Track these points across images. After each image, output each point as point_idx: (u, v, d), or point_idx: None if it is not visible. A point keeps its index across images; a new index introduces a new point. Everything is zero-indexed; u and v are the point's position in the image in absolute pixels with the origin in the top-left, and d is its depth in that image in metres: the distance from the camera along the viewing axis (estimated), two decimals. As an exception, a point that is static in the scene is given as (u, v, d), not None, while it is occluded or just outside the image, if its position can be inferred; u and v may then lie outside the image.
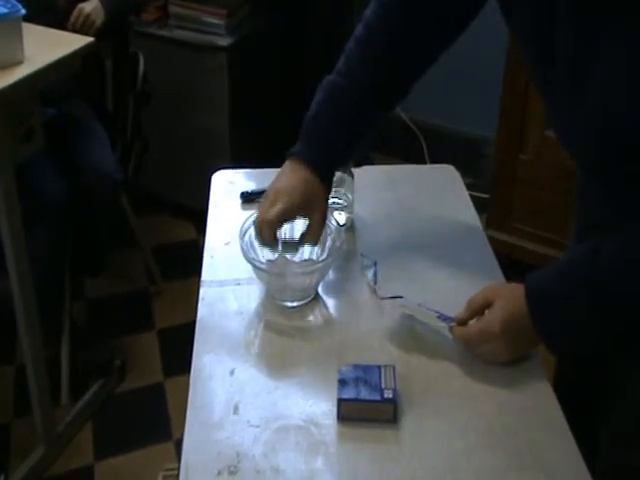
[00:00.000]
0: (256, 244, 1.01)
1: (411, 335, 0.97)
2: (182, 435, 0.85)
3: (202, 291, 1.05)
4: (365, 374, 0.86)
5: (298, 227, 1.03)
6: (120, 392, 2.01)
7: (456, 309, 0.95)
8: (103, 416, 1.93)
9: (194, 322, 1.03)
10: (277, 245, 0.99)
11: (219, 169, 1.33)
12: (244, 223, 1.03)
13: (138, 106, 2.13)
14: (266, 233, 0.97)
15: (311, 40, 2.65)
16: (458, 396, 0.89)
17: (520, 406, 0.88)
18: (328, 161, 0.99)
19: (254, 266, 0.99)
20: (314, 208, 0.97)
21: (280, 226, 0.99)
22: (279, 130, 2.60)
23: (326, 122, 0.98)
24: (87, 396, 1.94)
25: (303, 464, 0.81)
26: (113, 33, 1.98)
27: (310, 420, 0.86)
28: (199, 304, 1.04)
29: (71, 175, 1.82)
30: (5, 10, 1.53)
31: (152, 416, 1.94)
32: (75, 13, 1.85)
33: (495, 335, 0.86)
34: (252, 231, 1.02)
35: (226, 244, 1.13)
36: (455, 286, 1.04)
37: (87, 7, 1.86)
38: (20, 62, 1.56)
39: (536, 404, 0.88)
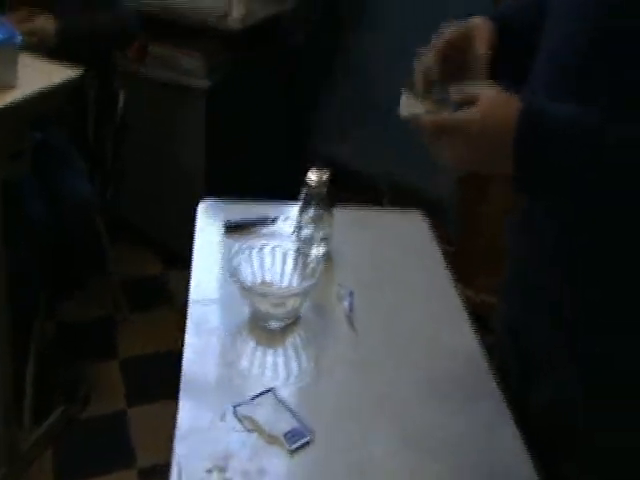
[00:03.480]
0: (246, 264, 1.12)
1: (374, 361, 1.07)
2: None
3: (190, 309, 1.13)
4: None
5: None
6: (83, 418, 2.04)
7: (424, 342, 1.08)
8: (66, 440, 1.96)
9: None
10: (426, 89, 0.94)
11: (194, 205, 1.41)
12: (233, 247, 1.13)
13: (117, 139, 2.22)
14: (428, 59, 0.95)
15: (277, 87, 2.80)
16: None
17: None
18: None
19: (241, 288, 1.08)
20: (477, 36, 0.96)
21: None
22: (254, 168, 2.72)
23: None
24: (51, 419, 1.97)
25: (286, 467, 0.90)
26: (98, 65, 2.06)
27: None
28: (188, 321, 1.11)
29: (49, 199, 1.89)
30: (1, 36, 1.62)
31: (115, 443, 1.98)
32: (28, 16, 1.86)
33: (469, 130, 0.82)
34: (240, 255, 1.12)
35: (210, 271, 1.22)
36: (422, 319, 1.15)
37: (41, 21, 1.87)
38: (13, 87, 1.65)
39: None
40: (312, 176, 1.21)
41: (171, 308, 2.46)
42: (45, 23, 1.89)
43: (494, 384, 1.04)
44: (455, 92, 0.87)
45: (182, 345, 1.06)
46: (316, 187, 1.20)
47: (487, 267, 2.35)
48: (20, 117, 1.71)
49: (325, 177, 1.20)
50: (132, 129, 2.25)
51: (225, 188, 2.46)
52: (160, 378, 2.18)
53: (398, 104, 0.93)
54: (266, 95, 2.65)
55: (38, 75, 1.71)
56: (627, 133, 0.79)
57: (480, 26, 0.99)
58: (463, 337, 1.13)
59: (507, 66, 0.99)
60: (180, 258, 2.58)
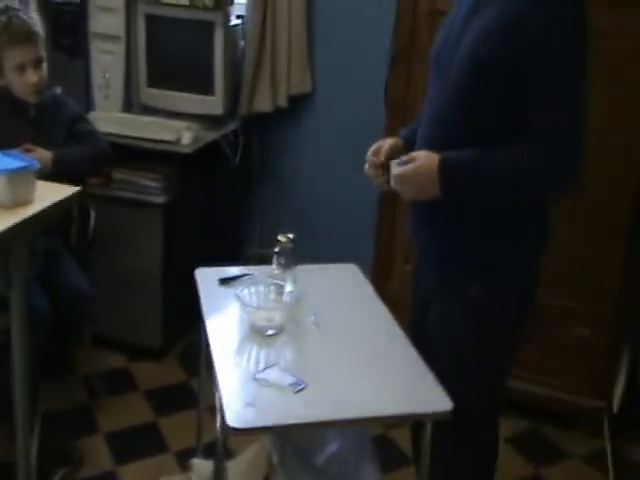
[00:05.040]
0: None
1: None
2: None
3: (208, 328, 1.73)
4: None
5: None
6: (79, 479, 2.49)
7: (365, 332, 1.73)
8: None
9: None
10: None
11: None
12: (240, 286, 1.76)
13: (89, 248, 2.81)
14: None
15: (219, 201, 3.48)
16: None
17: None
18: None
19: (245, 308, 1.70)
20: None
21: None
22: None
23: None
24: (54, 483, 2.41)
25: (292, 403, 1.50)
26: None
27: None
28: (209, 334, 1.70)
29: (52, 292, 2.44)
30: (25, 164, 2.22)
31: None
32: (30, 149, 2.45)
33: (409, 176, 1.65)
34: (241, 292, 1.74)
35: (217, 307, 1.83)
36: (362, 320, 1.80)
37: (40, 152, 2.45)
38: (32, 203, 2.23)
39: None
40: (281, 238, 1.86)
41: (137, 393, 2.97)
42: (44, 154, 2.50)
43: (410, 347, 1.73)
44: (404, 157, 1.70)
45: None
46: (285, 244, 1.86)
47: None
48: (36, 225, 2.28)
49: (291, 237, 1.86)
50: (100, 239, 2.84)
51: (180, 289, 3.06)
52: (140, 443, 2.69)
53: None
54: (211, 205, 3.32)
55: (46, 193, 2.31)
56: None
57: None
58: (390, 330, 1.81)
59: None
60: (139, 351, 3.13)
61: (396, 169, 1.67)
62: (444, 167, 1.61)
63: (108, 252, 2.99)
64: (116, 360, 3.16)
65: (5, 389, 2.24)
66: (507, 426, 2.71)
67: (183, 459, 2.56)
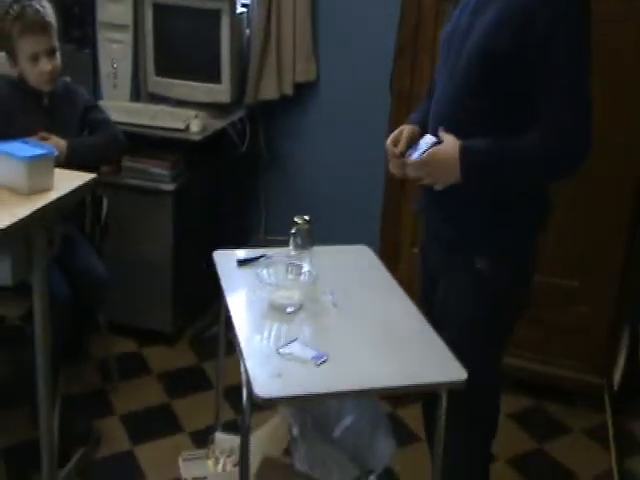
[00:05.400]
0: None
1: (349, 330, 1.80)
2: None
3: (230, 305, 1.82)
4: None
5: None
6: (98, 458, 2.59)
7: (379, 309, 1.82)
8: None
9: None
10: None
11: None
12: (259, 266, 1.85)
13: (102, 235, 2.89)
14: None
15: (226, 188, 3.57)
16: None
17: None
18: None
19: (265, 283, 1.79)
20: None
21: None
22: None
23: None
24: (73, 460, 2.50)
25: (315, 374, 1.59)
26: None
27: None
28: (233, 312, 1.79)
29: (70, 276, 2.52)
30: (45, 151, 2.30)
31: (130, 472, 2.53)
32: (45, 137, 2.53)
33: (429, 164, 1.74)
34: (261, 271, 1.83)
35: (237, 286, 1.92)
36: (377, 299, 1.90)
37: (55, 140, 2.52)
38: (50, 189, 2.31)
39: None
40: (298, 219, 1.95)
41: (151, 376, 3.06)
42: (59, 142, 2.57)
43: (424, 323, 1.82)
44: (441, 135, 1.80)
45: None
46: (301, 225, 1.94)
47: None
48: (55, 211, 2.36)
49: (307, 219, 1.95)
50: (112, 226, 2.92)
51: (190, 275, 3.14)
52: (155, 424, 2.79)
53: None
54: (218, 192, 3.40)
55: (63, 180, 2.39)
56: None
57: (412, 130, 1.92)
58: (405, 307, 1.90)
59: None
60: (150, 336, 3.21)
61: (411, 158, 1.76)
62: (465, 152, 1.69)
63: (119, 239, 3.07)
64: (127, 345, 3.25)
65: (27, 371, 2.33)
66: (510, 403, 2.82)
67: (197, 439, 2.66)
